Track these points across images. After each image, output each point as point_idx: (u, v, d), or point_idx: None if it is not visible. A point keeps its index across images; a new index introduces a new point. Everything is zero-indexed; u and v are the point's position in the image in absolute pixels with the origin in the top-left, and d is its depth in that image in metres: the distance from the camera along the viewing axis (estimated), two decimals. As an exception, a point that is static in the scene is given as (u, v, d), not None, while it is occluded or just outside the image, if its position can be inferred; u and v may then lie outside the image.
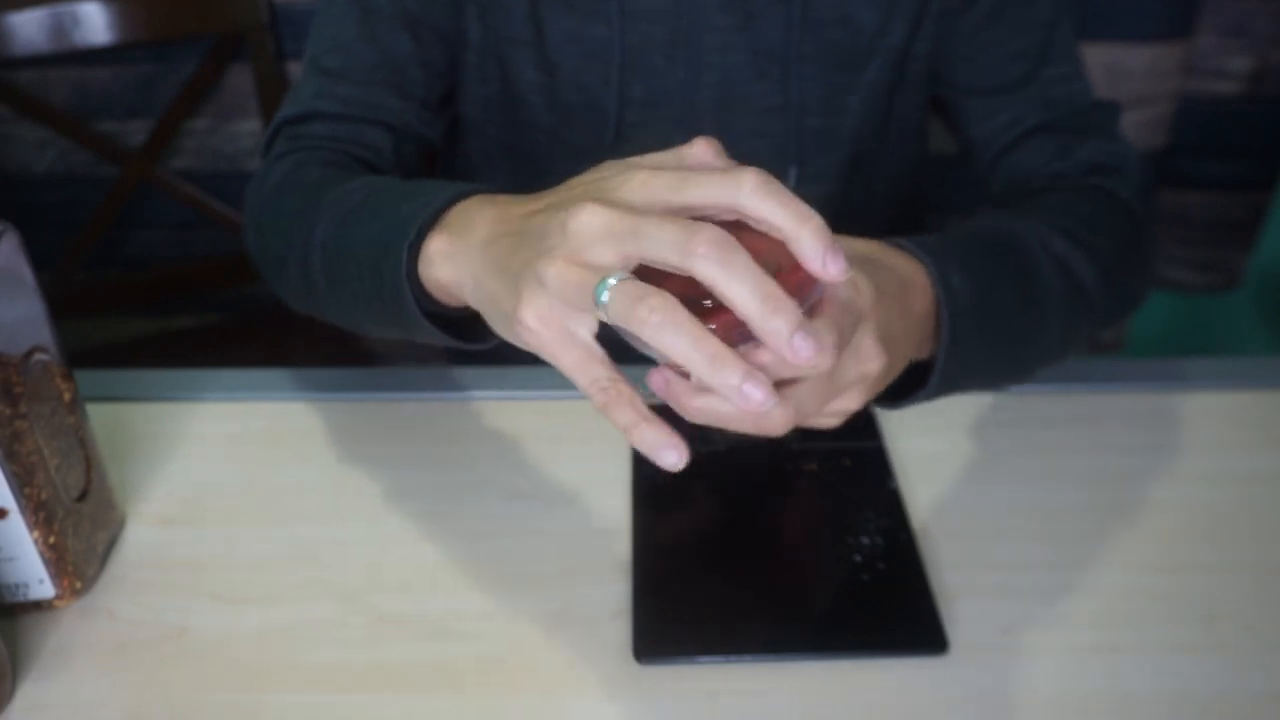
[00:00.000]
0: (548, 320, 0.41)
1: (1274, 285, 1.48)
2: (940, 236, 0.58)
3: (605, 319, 0.40)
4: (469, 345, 0.55)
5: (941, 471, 0.64)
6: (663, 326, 0.38)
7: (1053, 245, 0.61)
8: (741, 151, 0.75)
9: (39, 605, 0.56)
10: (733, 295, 0.38)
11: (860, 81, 0.76)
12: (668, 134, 0.68)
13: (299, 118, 0.72)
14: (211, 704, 0.51)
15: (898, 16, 0.74)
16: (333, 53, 0.73)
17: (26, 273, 0.52)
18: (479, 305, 0.47)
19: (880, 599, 0.55)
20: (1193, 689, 0.51)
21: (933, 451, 0.66)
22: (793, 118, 0.76)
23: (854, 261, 0.42)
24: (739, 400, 0.38)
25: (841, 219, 0.81)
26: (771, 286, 0.38)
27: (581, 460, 0.66)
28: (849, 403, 0.47)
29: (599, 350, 0.42)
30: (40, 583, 0.54)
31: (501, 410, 0.70)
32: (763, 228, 0.40)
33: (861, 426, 0.67)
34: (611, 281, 0.39)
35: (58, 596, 0.55)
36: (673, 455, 0.40)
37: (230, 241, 1.37)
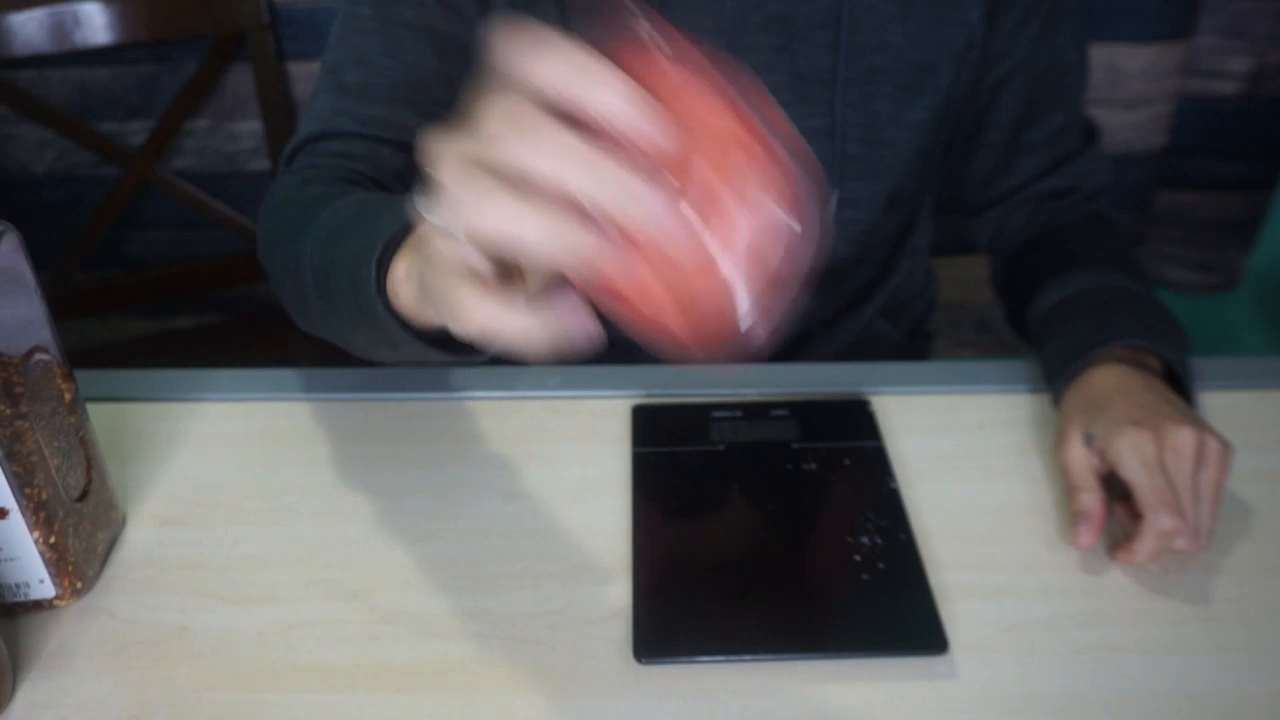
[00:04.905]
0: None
1: (1274, 285, 1.48)
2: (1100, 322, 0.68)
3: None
4: (461, 358, 0.53)
5: (941, 471, 0.64)
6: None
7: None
8: None
9: (39, 605, 0.56)
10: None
11: (908, 118, 0.75)
12: None
13: (319, 136, 0.70)
14: (211, 704, 0.51)
15: (939, 50, 0.74)
16: (354, 66, 0.71)
17: (27, 273, 0.52)
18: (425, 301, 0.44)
19: (880, 599, 0.55)
20: (1192, 689, 0.51)
21: (933, 451, 0.66)
22: (836, 142, 0.75)
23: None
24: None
25: (873, 249, 0.82)
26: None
27: (581, 460, 0.66)
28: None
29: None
30: (41, 582, 0.55)
31: (501, 410, 0.70)
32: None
33: (861, 426, 0.67)
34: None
35: (58, 596, 0.55)
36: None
37: (230, 241, 1.37)
